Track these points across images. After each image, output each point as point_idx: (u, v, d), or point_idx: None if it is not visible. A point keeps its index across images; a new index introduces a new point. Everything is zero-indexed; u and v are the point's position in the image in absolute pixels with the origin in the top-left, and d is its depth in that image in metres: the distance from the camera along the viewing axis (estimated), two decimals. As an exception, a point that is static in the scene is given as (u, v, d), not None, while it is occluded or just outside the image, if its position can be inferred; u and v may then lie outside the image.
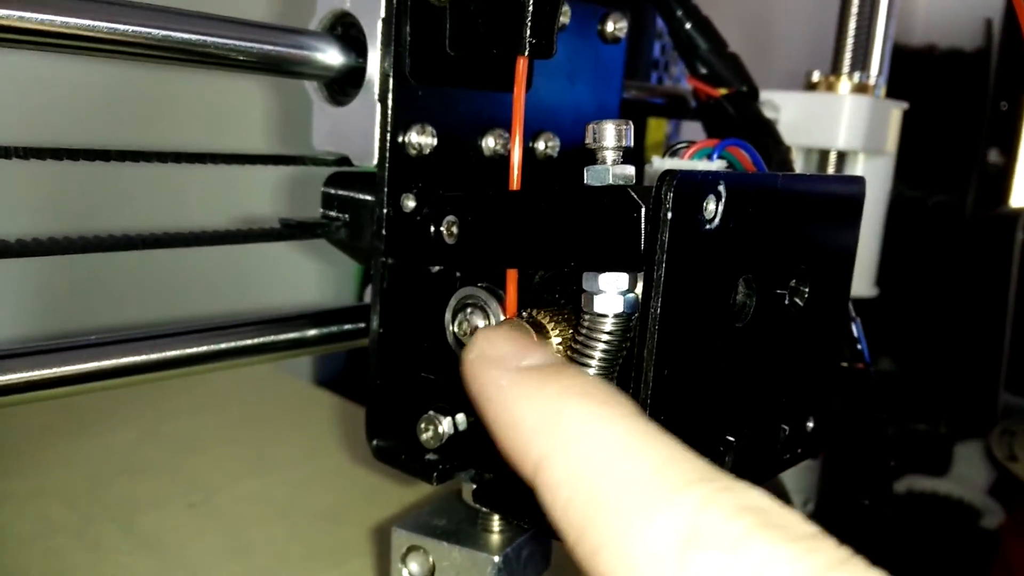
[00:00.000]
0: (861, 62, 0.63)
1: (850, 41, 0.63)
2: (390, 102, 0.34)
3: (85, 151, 0.32)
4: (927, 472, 1.03)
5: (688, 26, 0.49)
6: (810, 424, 0.34)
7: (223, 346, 0.35)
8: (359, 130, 0.35)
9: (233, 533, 0.55)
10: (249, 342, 0.36)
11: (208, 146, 0.38)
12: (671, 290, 0.25)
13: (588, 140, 0.29)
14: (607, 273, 0.27)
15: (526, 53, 0.31)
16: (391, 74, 0.34)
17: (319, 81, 0.36)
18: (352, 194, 0.37)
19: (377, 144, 0.34)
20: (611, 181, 0.28)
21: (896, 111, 0.63)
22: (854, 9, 0.62)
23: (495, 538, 0.35)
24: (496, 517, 0.35)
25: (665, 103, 0.61)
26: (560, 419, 0.21)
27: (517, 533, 0.35)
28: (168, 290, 0.87)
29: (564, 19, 0.39)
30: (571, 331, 0.29)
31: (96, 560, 0.51)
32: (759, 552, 0.17)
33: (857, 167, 0.63)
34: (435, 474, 0.34)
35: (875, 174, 0.64)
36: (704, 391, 0.28)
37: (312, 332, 0.38)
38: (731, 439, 0.30)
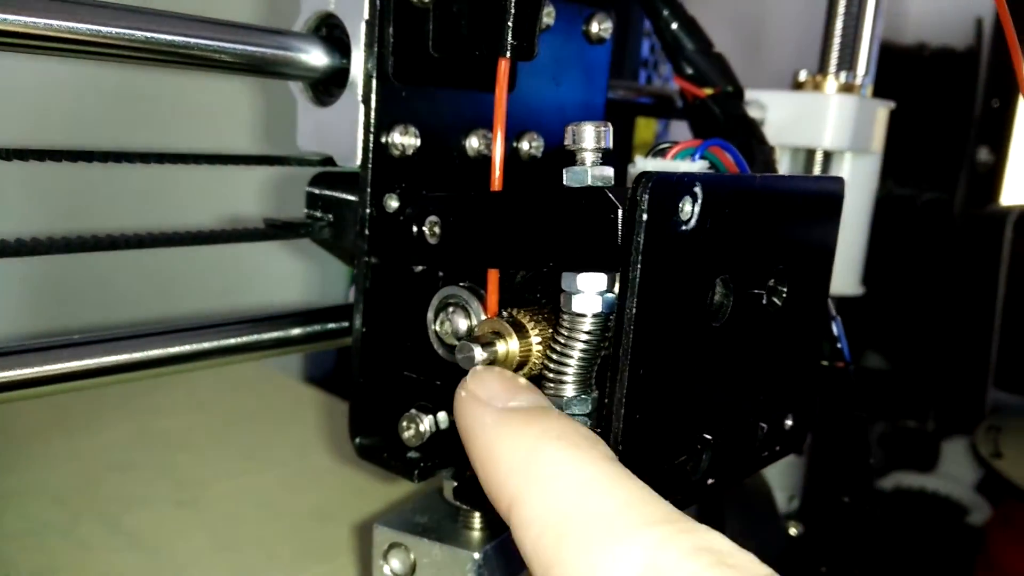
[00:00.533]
0: (848, 62, 0.63)
1: (837, 41, 0.63)
2: (373, 103, 0.34)
3: (70, 152, 0.32)
4: (915, 468, 1.03)
5: (674, 26, 0.49)
6: (789, 422, 0.35)
7: (207, 345, 0.35)
8: (343, 130, 0.35)
9: (221, 531, 0.55)
10: (233, 341, 0.36)
11: (195, 146, 0.38)
12: (646, 290, 0.25)
13: (567, 142, 0.29)
14: (586, 273, 0.27)
15: (508, 55, 0.32)
16: (374, 75, 0.34)
17: (304, 82, 0.37)
18: (336, 194, 0.37)
19: (360, 144, 0.35)
20: (590, 182, 0.28)
21: (882, 110, 0.64)
22: (841, 9, 0.63)
23: (475, 535, 0.35)
24: (477, 514, 0.36)
25: (652, 103, 0.62)
26: (535, 460, 0.23)
27: (498, 530, 0.36)
28: (156, 289, 0.87)
29: (549, 20, 0.39)
30: (551, 330, 0.29)
31: (84, 558, 0.51)
32: None
33: (843, 166, 0.64)
34: (416, 472, 0.34)
35: (861, 173, 0.64)
36: (681, 390, 0.28)
37: (296, 331, 0.38)
38: (708, 437, 0.30)
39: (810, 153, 0.63)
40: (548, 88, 0.41)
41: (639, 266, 0.25)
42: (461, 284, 0.33)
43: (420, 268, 0.35)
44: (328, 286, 0.98)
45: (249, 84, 0.87)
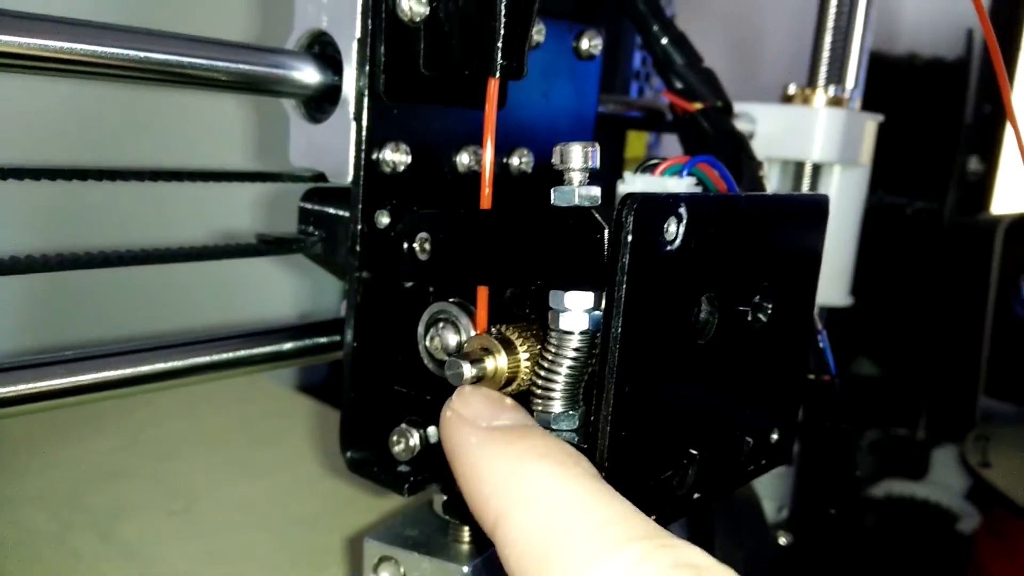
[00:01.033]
0: (837, 76, 0.64)
1: (826, 55, 0.64)
2: (365, 120, 0.35)
3: (64, 171, 0.32)
4: (905, 476, 1.04)
5: (664, 41, 0.50)
6: (774, 436, 0.35)
7: (200, 360, 0.35)
8: (335, 147, 0.35)
9: (212, 540, 0.55)
10: (227, 356, 0.36)
11: (189, 162, 0.38)
12: (632, 310, 0.26)
13: (555, 161, 0.29)
14: (573, 292, 0.28)
15: (497, 75, 0.32)
16: (366, 92, 0.35)
17: (297, 99, 0.37)
18: (328, 210, 0.38)
19: (352, 161, 0.35)
20: (577, 202, 0.29)
21: (871, 123, 0.64)
22: (830, 24, 0.63)
23: (465, 549, 0.36)
24: (466, 528, 0.36)
25: (643, 116, 0.62)
26: (519, 479, 0.23)
27: (487, 544, 0.36)
28: (149, 304, 0.87)
29: (539, 37, 0.40)
30: (539, 347, 0.30)
31: (76, 568, 0.51)
32: None
33: (832, 179, 0.64)
34: (407, 486, 0.35)
35: (850, 185, 0.65)
36: (666, 407, 0.29)
37: (288, 345, 0.38)
38: (694, 452, 0.30)
39: (799, 166, 0.64)
40: (538, 104, 0.41)
41: (624, 286, 0.26)
42: (451, 300, 0.34)
43: (410, 284, 0.36)
44: (320, 300, 0.99)
45: (242, 101, 0.88)
